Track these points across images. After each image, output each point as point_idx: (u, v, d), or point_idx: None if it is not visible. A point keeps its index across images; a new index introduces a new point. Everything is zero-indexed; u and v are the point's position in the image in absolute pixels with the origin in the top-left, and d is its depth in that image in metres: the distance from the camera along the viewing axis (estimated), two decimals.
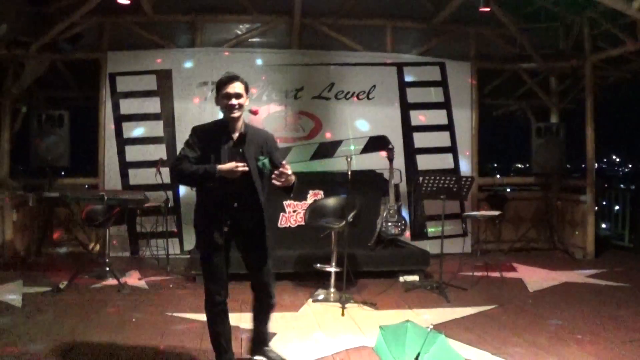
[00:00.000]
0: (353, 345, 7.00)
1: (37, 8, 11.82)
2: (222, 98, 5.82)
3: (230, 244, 5.93)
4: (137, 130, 12.58)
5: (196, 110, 12.50)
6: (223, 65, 12.36)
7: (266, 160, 5.79)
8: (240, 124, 5.91)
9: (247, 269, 6.09)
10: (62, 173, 13.14)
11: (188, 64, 12.68)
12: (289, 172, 5.67)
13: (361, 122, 13.07)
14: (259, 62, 12.85)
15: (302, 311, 8.53)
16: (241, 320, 7.40)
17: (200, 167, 5.68)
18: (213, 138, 5.84)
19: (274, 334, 7.10)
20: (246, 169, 5.63)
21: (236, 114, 5.81)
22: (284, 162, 5.74)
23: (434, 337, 6.01)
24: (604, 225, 15.59)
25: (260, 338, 6.32)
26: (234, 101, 5.77)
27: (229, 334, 6.11)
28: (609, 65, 13.85)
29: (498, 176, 17.48)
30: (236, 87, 5.79)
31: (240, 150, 5.81)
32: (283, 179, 5.67)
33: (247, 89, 5.93)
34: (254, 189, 5.82)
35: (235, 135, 5.87)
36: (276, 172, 5.64)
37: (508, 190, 15.26)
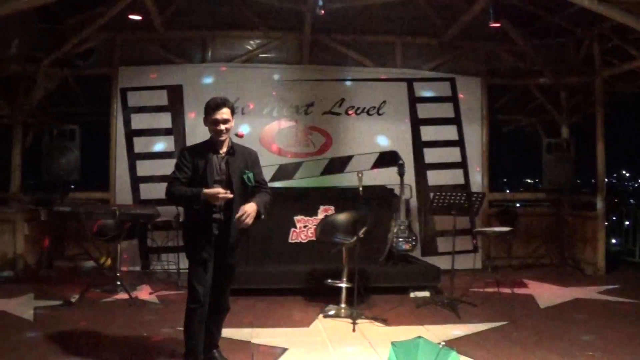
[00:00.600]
0: None
1: (49, 24, 11.90)
2: (211, 123, 6.19)
3: (215, 253, 6.21)
4: (157, 146, 12.66)
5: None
6: (234, 81, 12.50)
7: (251, 175, 6.22)
8: (226, 142, 6.30)
9: (214, 277, 6.29)
10: (72, 187, 13.18)
11: (199, 80, 12.72)
12: (244, 217, 5.91)
13: (372, 137, 13.09)
14: (270, 77, 12.88)
15: (313, 327, 8.49)
16: (252, 335, 7.41)
17: (188, 190, 6.04)
18: (202, 155, 6.20)
19: (272, 347, 7.13)
20: (230, 196, 5.89)
21: (224, 137, 6.21)
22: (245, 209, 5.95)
23: (446, 353, 6.00)
24: (614, 241, 15.54)
25: (211, 340, 6.53)
26: (221, 127, 6.14)
27: (202, 339, 6.30)
28: (619, 80, 13.85)
29: (508, 191, 17.48)
30: (224, 114, 6.16)
31: (227, 162, 6.18)
32: (241, 225, 5.98)
33: (233, 112, 6.27)
34: (233, 206, 6.10)
35: (223, 150, 6.27)
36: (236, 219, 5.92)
37: (518, 205, 15.25)
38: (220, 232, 6.17)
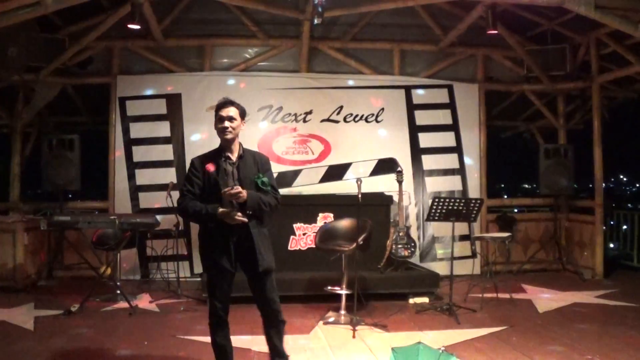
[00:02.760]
0: None
1: (47, 34, 11.94)
2: (216, 121, 6.13)
3: (237, 265, 6.08)
4: (156, 154, 12.66)
5: (206, 133, 12.55)
6: (232, 90, 12.48)
7: (265, 179, 6.09)
8: (236, 146, 6.21)
9: (253, 289, 6.21)
10: (70, 196, 13.21)
11: (198, 88, 12.73)
12: (229, 190, 5.84)
13: (370, 144, 13.10)
14: (268, 85, 12.86)
15: (314, 333, 8.55)
16: (252, 343, 7.44)
17: (203, 208, 5.93)
18: (212, 162, 6.11)
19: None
20: (245, 220, 5.87)
21: (228, 136, 6.09)
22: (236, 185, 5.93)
23: (446, 358, 6.05)
24: (612, 245, 15.57)
25: (276, 352, 6.34)
26: (226, 123, 6.05)
27: (231, 347, 6.27)
28: (615, 85, 13.91)
29: (506, 197, 17.50)
30: (230, 111, 6.08)
31: (238, 167, 6.10)
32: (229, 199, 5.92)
33: (242, 115, 6.19)
34: (251, 215, 6.04)
35: (234, 156, 6.14)
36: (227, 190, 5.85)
37: (516, 211, 15.29)
38: (240, 240, 6.03)
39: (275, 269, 6.23)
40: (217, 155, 6.17)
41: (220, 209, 5.82)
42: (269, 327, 6.27)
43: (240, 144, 6.24)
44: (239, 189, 5.83)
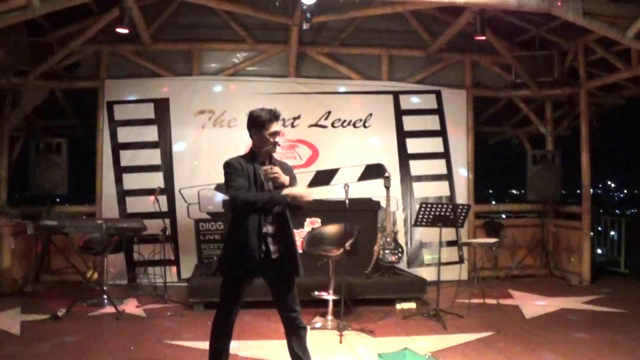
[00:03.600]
0: None
1: (35, 37, 11.90)
2: (269, 136, 6.02)
3: (268, 269, 6.03)
4: (143, 159, 12.63)
5: (193, 138, 12.57)
6: (220, 94, 12.52)
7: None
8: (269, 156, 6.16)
9: (272, 298, 6.19)
10: (57, 200, 13.18)
11: (186, 93, 12.71)
12: (273, 171, 5.83)
13: (358, 150, 13.11)
14: (256, 90, 12.82)
15: None
16: (240, 348, 7.44)
17: (270, 195, 5.89)
18: (250, 168, 6.02)
19: None
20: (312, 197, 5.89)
21: (276, 150, 6.13)
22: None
23: None
24: (599, 251, 15.60)
25: None
26: (277, 139, 6.06)
27: (228, 354, 6.22)
28: (603, 92, 13.95)
29: (493, 202, 17.55)
30: (278, 126, 6.09)
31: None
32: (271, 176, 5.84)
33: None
34: (285, 217, 6.05)
35: (267, 163, 6.06)
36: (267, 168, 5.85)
37: (504, 217, 15.31)
38: (270, 247, 5.99)
39: None
40: (252, 161, 6.10)
41: (289, 190, 5.82)
42: (292, 338, 6.21)
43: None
44: (277, 169, 5.84)
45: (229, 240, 6.19)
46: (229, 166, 6.02)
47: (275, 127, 6.02)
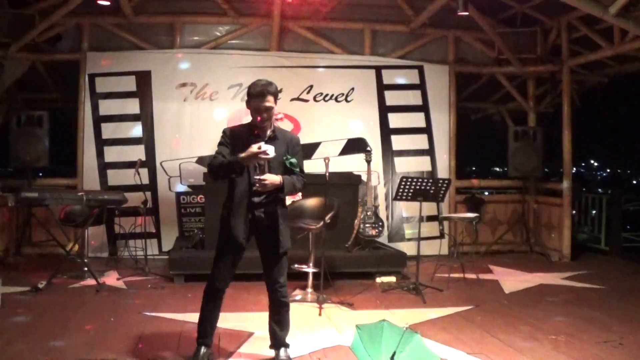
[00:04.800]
0: (330, 344, 7.06)
1: (17, 9, 11.83)
2: (253, 111, 6.09)
3: (248, 242, 6.18)
4: (125, 132, 12.60)
5: (175, 111, 12.56)
6: (202, 67, 12.47)
7: (294, 160, 6.13)
8: (269, 126, 6.16)
9: (263, 267, 6.35)
10: (41, 174, 13.13)
11: (167, 66, 12.68)
12: (261, 181, 5.88)
13: (340, 124, 13.14)
14: (238, 64, 12.83)
15: None
16: (219, 320, 7.46)
17: (225, 160, 5.96)
18: (244, 138, 6.07)
19: (239, 331, 7.18)
20: (270, 154, 5.75)
21: (266, 124, 6.10)
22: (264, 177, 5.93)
23: (410, 336, 6.09)
24: (581, 229, 15.67)
25: (275, 339, 6.44)
26: (264, 115, 6.02)
27: (215, 322, 6.35)
28: (586, 69, 13.98)
29: (474, 177, 17.57)
30: (267, 102, 6.02)
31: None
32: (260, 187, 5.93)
33: (276, 97, 6.15)
34: (274, 193, 6.11)
35: (265, 135, 6.12)
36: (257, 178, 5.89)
37: (486, 193, 15.36)
38: (258, 217, 6.12)
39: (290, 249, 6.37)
40: (249, 132, 6.15)
41: (240, 155, 5.79)
42: (271, 310, 6.39)
43: (272, 124, 6.22)
44: (267, 178, 5.89)
45: (223, 206, 6.26)
46: (222, 133, 6.22)
47: (260, 103, 6.00)
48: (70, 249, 10.97)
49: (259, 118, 6.02)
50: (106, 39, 12.82)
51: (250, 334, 7.31)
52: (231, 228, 6.06)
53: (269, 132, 6.15)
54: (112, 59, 12.63)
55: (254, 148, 5.70)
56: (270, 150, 5.71)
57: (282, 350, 6.37)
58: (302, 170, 6.28)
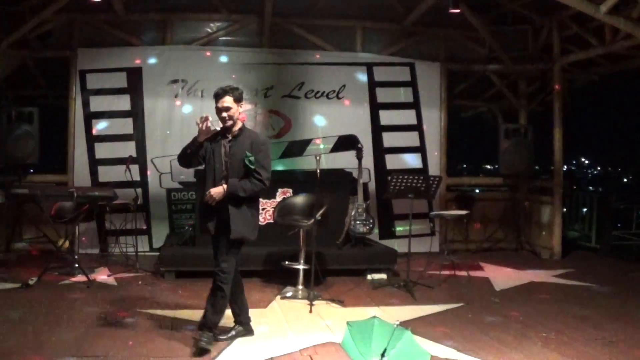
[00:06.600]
0: (320, 341, 7.07)
1: (7, 6, 11.79)
2: (216, 110, 6.80)
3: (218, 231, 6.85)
4: (115, 128, 12.57)
5: (166, 107, 12.53)
6: (193, 64, 12.46)
7: (252, 158, 6.59)
8: (235, 128, 6.86)
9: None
10: (31, 171, 13.09)
11: (158, 62, 12.66)
12: (207, 198, 6.73)
13: (331, 121, 13.12)
14: (229, 60, 12.83)
15: (271, 308, 8.60)
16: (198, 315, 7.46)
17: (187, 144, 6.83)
18: (214, 138, 6.87)
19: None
20: (209, 119, 6.75)
21: (228, 123, 6.77)
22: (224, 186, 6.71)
23: (400, 333, 6.10)
24: (572, 227, 15.71)
25: (204, 319, 6.74)
26: (223, 114, 6.72)
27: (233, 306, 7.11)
28: (577, 68, 13.99)
29: (466, 174, 17.58)
30: (225, 102, 6.72)
31: (232, 145, 6.80)
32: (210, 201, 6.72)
33: (238, 100, 6.80)
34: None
35: (230, 135, 6.88)
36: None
37: (477, 191, 15.37)
38: (220, 211, 6.72)
39: (250, 241, 7.00)
40: (221, 133, 6.86)
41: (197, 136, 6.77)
42: (209, 292, 6.80)
43: (240, 125, 6.91)
44: (217, 191, 6.67)
45: (198, 209, 7.25)
46: None
47: (219, 103, 6.74)
48: (60, 245, 10.95)
49: (220, 117, 6.74)
50: (97, 35, 12.75)
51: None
52: (205, 224, 6.91)
53: (236, 132, 6.86)
54: (103, 55, 12.57)
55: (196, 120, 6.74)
56: (209, 115, 6.77)
57: (205, 332, 6.62)
58: (263, 169, 6.76)
